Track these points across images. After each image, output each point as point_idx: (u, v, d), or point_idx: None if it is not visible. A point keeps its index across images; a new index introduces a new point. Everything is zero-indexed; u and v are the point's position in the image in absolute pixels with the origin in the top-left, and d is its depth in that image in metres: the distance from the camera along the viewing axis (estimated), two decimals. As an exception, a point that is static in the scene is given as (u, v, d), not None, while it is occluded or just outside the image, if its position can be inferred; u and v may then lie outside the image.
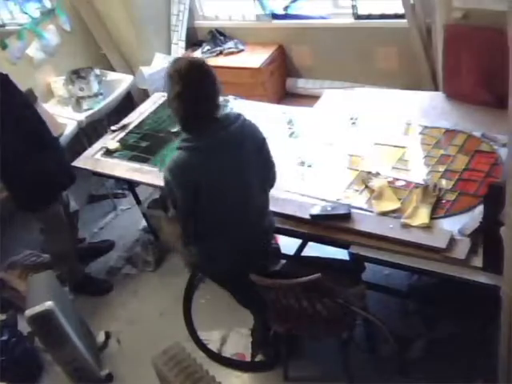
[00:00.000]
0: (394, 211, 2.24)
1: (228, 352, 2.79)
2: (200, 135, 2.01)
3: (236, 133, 2.04)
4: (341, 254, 2.33)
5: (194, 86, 1.94)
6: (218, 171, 2.04)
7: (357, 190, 2.41)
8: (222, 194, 2.09)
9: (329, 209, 2.30)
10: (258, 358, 2.71)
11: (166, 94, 2.08)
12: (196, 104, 1.95)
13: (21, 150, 2.70)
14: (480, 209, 2.00)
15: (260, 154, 2.15)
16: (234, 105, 3.27)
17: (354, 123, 2.86)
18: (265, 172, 2.21)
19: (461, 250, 1.99)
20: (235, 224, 2.17)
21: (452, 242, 2.02)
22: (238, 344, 2.81)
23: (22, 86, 3.26)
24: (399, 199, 2.29)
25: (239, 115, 2.11)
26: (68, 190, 3.16)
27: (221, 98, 2.05)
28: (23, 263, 3.42)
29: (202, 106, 1.97)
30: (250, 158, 2.10)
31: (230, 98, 3.32)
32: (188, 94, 1.94)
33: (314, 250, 2.72)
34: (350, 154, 2.65)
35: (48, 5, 4.01)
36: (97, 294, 3.29)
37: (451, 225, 2.11)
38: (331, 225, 2.26)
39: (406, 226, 2.15)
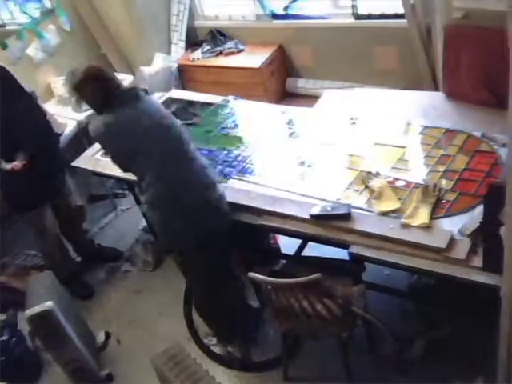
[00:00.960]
0: (394, 211, 2.24)
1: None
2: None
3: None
4: (341, 254, 2.33)
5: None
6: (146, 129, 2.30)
7: (357, 190, 2.41)
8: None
9: (329, 209, 2.30)
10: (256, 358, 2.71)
11: None
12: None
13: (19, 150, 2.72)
14: (480, 209, 2.00)
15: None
16: (234, 105, 3.28)
17: (353, 123, 2.86)
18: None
19: (461, 250, 1.99)
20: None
21: (452, 241, 2.02)
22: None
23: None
24: (399, 199, 2.29)
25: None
26: (67, 185, 3.19)
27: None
28: (15, 262, 3.44)
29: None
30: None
31: (230, 98, 3.32)
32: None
33: (314, 250, 2.72)
34: (350, 153, 2.65)
35: (48, 5, 4.01)
36: (77, 296, 3.27)
37: (451, 225, 2.11)
38: (331, 225, 2.26)
39: (405, 225, 2.15)
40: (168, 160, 2.31)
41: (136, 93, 2.40)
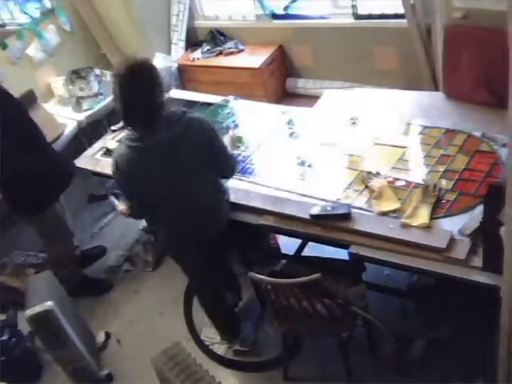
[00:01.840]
0: (393, 211, 2.24)
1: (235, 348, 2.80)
2: (143, 135, 2.09)
3: (180, 132, 2.11)
4: (341, 254, 2.33)
5: (129, 87, 2.01)
6: (160, 172, 2.14)
7: (357, 190, 2.41)
8: (164, 194, 2.20)
9: (329, 209, 2.30)
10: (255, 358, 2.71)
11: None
12: (133, 104, 2.03)
13: (12, 154, 2.65)
14: (480, 209, 2.00)
15: (210, 148, 2.21)
16: (234, 105, 3.28)
17: (353, 123, 2.86)
18: (217, 166, 2.30)
19: (461, 250, 1.98)
20: (183, 219, 2.28)
21: (452, 242, 2.02)
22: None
23: (22, 86, 3.28)
24: (399, 199, 2.29)
25: (184, 113, 2.16)
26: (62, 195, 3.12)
27: (165, 97, 2.12)
28: (13, 262, 3.44)
29: (138, 106, 2.03)
30: (195, 156, 2.17)
31: (230, 98, 3.32)
32: (123, 94, 2.02)
33: (314, 250, 2.72)
34: (350, 153, 2.64)
35: (48, 5, 4.01)
36: (95, 294, 3.29)
37: (451, 225, 2.11)
38: (331, 225, 2.26)
39: (405, 225, 2.15)
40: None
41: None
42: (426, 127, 2.69)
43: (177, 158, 2.13)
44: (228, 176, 2.42)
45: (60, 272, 3.08)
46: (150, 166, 2.12)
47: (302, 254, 2.79)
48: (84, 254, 3.49)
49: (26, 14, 3.92)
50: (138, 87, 2.00)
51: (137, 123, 2.10)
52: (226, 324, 2.80)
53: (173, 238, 2.41)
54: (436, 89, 3.33)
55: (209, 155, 2.22)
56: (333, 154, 2.67)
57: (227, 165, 2.36)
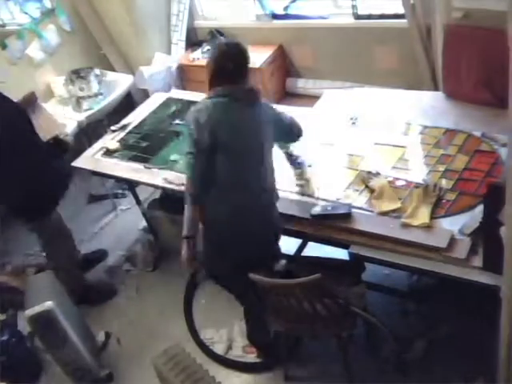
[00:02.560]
0: (394, 211, 2.24)
1: (236, 348, 2.79)
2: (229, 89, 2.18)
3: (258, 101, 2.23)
4: (341, 254, 2.33)
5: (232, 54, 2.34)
6: (238, 128, 2.18)
7: (357, 190, 2.41)
8: (237, 153, 2.18)
9: (329, 208, 2.30)
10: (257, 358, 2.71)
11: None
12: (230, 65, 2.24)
13: (11, 159, 2.59)
14: (480, 208, 2.00)
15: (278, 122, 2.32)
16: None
17: (353, 123, 2.86)
18: (283, 130, 2.38)
19: (461, 250, 1.99)
20: (241, 189, 2.21)
21: (452, 241, 2.03)
22: (244, 339, 2.79)
23: (22, 86, 3.27)
24: (399, 199, 2.29)
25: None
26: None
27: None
28: (12, 263, 3.44)
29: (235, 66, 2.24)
30: (267, 125, 2.24)
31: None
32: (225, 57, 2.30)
33: (314, 250, 2.72)
34: (350, 153, 2.65)
35: (48, 5, 4.01)
36: (101, 301, 3.24)
37: (451, 224, 2.11)
38: (331, 224, 2.26)
39: (406, 225, 2.15)
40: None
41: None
42: (426, 127, 2.69)
43: (255, 116, 2.22)
44: (297, 136, 2.48)
45: (62, 278, 3.03)
46: (231, 117, 2.18)
47: (302, 254, 2.79)
48: (85, 257, 3.47)
49: (26, 13, 3.92)
50: (237, 55, 2.34)
51: (226, 82, 2.20)
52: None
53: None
54: (436, 89, 3.32)
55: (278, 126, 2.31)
56: (333, 154, 2.67)
57: (293, 125, 2.45)
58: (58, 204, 2.95)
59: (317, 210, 2.31)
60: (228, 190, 2.18)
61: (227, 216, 2.20)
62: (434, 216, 2.16)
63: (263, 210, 2.25)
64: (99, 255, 3.55)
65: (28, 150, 2.71)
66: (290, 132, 2.45)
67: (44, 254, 3.23)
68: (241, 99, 2.19)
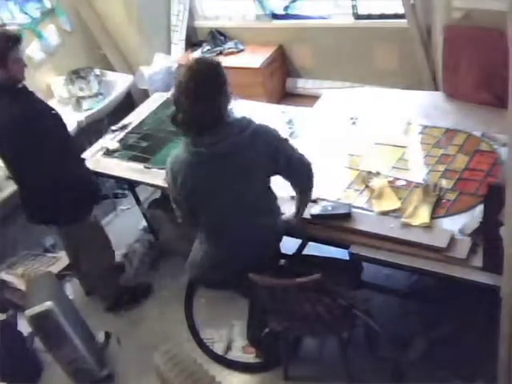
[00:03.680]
0: (394, 211, 2.24)
1: (236, 348, 2.80)
2: (198, 142, 1.99)
3: (243, 141, 1.99)
4: (341, 254, 2.33)
5: (192, 90, 1.92)
6: (213, 180, 2.04)
7: (357, 190, 2.41)
8: (214, 201, 2.09)
9: (329, 208, 2.30)
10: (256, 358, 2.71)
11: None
12: (195, 107, 1.93)
13: (54, 160, 2.54)
14: (480, 208, 2.00)
15: (275, 161, 2.07)
16: (234, 105, 3.27)
17: (354, 123, 2.86)
18: (290, 178, 2.17)
19: (461, 250, 1.98)
20: (230, 230, 2.16)
21: (452, 241, 2.02)
22: (244, 339, 2.79)
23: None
24: (399, 199, 2.29)
25: (250, 122, 2.06)
26: None
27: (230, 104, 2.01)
28: (23, 263, 3.42)
29: (199, 109, 1.94)
30: (255, 166, 2.05)
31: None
32: (184, 97, 1.93)
33: (314, 249, 2.71)
34: (351, 153, 2.65)
35: (48, 5, 4.01)
36: (137, 302, 3.15)
37: (452, 224, 2.11)
38: (332, 224, 2.26)
39: (406, 225, 2.15)
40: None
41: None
42: (426, 127, 2.69)
43: (235, 168, 2.01)
44: (304, 186, 2.21)
45: (100, 283, 3.02)
46: (204, 174, 2.02)
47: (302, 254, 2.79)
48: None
49: (26, 14, 3.92)
50: (202, 92, 1.92)
51: (192, 129, 1.99)
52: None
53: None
54: (436, 89, 3.32)
55: (274, 169, 2.10)
56: (333, 154, 2.67)
57: (301, 175, 2.17)
58: (95, 205, 2.89)
59: (317, 209, 2.31)
60: (215, 238, 2.19)
61: (221, 256, 2.19)
62: (434, 216, 2.16)
63: (260, 237, 2.17)
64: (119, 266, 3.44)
65: (67, 151, 2.63)
66: (295, 173, 2.16)
67: (70, 259, 3.18)
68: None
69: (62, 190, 2.57)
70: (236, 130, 2.00)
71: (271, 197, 2.22)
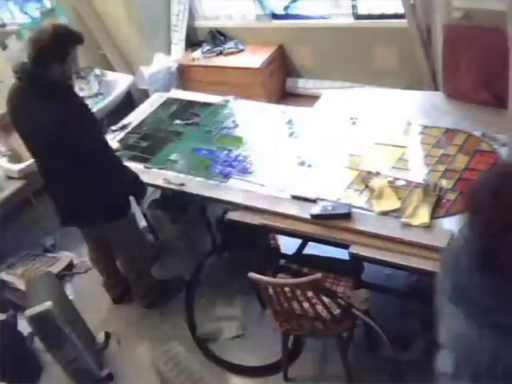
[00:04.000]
0: (394, 211, 2.24)
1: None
2: None
3: None
4: (341, 254, 2.33)
5: None
6: None
7: (357, 190, 2.41)
8: None
9: (329, 208, 2.30)
10: (257, 362, 2.71)
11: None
12: None
13: (96, 159, 2.42)
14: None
15: None
16: (234, 105, 3.28)
17: (354, 123, 2.86)
18: None
19: (461, 250, 1.98)
20: None
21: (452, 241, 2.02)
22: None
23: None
24: (399, 199, 2.29)
25: None
26: None
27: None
28: (23, 263, 3.42)
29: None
30: None
31: (230, 98, 3.32)
32: None
33: (314, 249, 2.71)
34: (350, 153, 2.65)
35: (48, 5, 4.02)
36: (172, 296, 3.09)
37: (452, 224, 2.11)
38: (331, 224, 2.26)
39: (406, 225, 2.15)
40: None
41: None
42: (426, 127, 2.69)
43: None
44: None
45: (142, 281, 2.97)
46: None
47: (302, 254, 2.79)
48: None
49: (26, 14, 3.93)
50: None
51: None
52: None
53: None
54: (436, 89, 3.33)
55: None
56: (333, 154, 2.67)
57: None
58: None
59: (317, 209, 2.31)
60: None
61: None
62: (434, 216, 2.16)
63: None
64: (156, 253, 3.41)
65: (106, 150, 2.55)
66: None
67: (100, 266, 3.10)
68: None
69: (108, 188, 2.48)
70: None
71: None
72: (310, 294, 2.09)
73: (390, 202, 2.28)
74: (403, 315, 2.64)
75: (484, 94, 2.75)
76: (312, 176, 2.57)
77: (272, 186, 2.55)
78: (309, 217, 2.31)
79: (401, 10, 3.43)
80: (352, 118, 2.88)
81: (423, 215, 2.16)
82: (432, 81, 3.43)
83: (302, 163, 2.67)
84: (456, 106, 2.84)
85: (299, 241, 2.78)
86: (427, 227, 2.12)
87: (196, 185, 2.71)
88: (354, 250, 2.16)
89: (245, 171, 2.71)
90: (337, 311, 2.16)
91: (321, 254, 2.58)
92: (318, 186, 2.48)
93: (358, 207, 2.31)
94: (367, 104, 3.02)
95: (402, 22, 3.44)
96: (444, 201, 2.23)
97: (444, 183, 2.31)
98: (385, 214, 2.24)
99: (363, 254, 2.15)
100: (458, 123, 2.66)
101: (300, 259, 2.68)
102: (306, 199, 2.40)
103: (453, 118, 2.72)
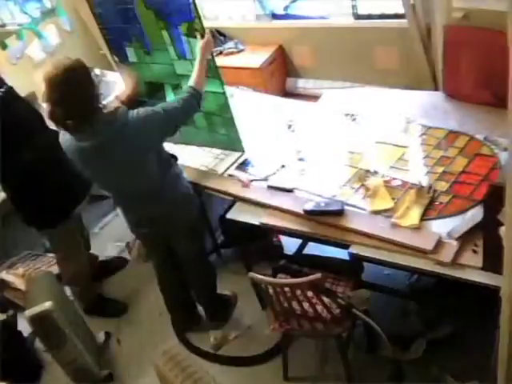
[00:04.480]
0: (386, 210, 2.23)
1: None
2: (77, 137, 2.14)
3: (113, 135, 2.13)
4: (341, 254, 2.33)
5: (57, 90, 2.18)
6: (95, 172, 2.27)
7: (353, 188, 2.41)
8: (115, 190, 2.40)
9: (322, 205, 2.30)
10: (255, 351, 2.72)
11: None
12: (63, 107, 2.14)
13: (35, 164, 2.58)
14: (472, 212, 2.00)
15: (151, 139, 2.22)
16: (239, 96, 3.26)
17: (354, 119, 2.87)
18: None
19: (447, 253, 1.97)
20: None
21: (439, 244, 2.01)
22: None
23: (22, 86, 3.26)
24: (393, 199, 2.28)
25: (122, 113, 2.22)
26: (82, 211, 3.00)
27: (100, 101, 2.24)
28: (24, 263, 3.42)
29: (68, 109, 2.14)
30: (132, 153, 2.17)
31: (234, 89, 3.31)
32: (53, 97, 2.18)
33: (314, 249, 2.72)
34: (351, 151, 2.65)
35: (48, 5, 4.01)
36: (109, 315, 3.16)
37: (441, 227, 2.09)
38: (324, 221, 2.26)
39: (395, 225, 2.14)
40: None
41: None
42: (428, 128, 2.68)
43: (113, 161, 2.17)
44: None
45: (73, 289, 3.05)
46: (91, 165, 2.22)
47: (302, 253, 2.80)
48: (104, 264, 3.43)
49: (26, 13, 3.92)
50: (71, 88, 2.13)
51: (69, 125, 2.13)
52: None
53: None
54: (436, 89, 3.32)
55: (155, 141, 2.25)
56: (333, 151, 2.67)
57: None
58: (69, 215, 2.81)
59: (310, 205, 2.31)
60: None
61: None
62: (424, 218, 2.15)
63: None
64: (119, 263, 3.50)
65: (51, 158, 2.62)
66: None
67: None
68: None
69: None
70: (107, 124, 2.15)
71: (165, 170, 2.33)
72: (309, 293, 2.09)
73: (383, 202, 2.28)
74: (403, 315, 2.65)
75: (484, 94, 2.75)
76: (310, 171, 2.58)
77: (271, 180, 2.57)
78: (302, 212, 2.30)
79: (401, 10, 3.43)
80: (352, 115, 2.88)
81: (413, 216, 2.15)
82: (432, 81, 3.43)
83: (302, 159, 2.67)
84: (456, 106, 2.84)
85: (299, 241, 2.79)
86: (416, 229, 2.11)
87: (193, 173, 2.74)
88: (354, 249, 2.16)
89: (246, 164, 2.74)
90: (337, 311, 2.16)
91: (321, 254, 2.58)
92: (315, 182, 2.49)
93: (352, 205, 2.30)
94: (367, 104, 3.02)
95: (402, 22, 3.44)
96: (437, 203, 2.21)
97: (439, 185, 2.30)
98: (377, 213, 2.24)
99: (363, 254, 2.14)
100: (457, 123, 2.65)
101: (300, 259, 2.68)
102: (282, 189, 2.44)
103: (453, 118, 2.72)
